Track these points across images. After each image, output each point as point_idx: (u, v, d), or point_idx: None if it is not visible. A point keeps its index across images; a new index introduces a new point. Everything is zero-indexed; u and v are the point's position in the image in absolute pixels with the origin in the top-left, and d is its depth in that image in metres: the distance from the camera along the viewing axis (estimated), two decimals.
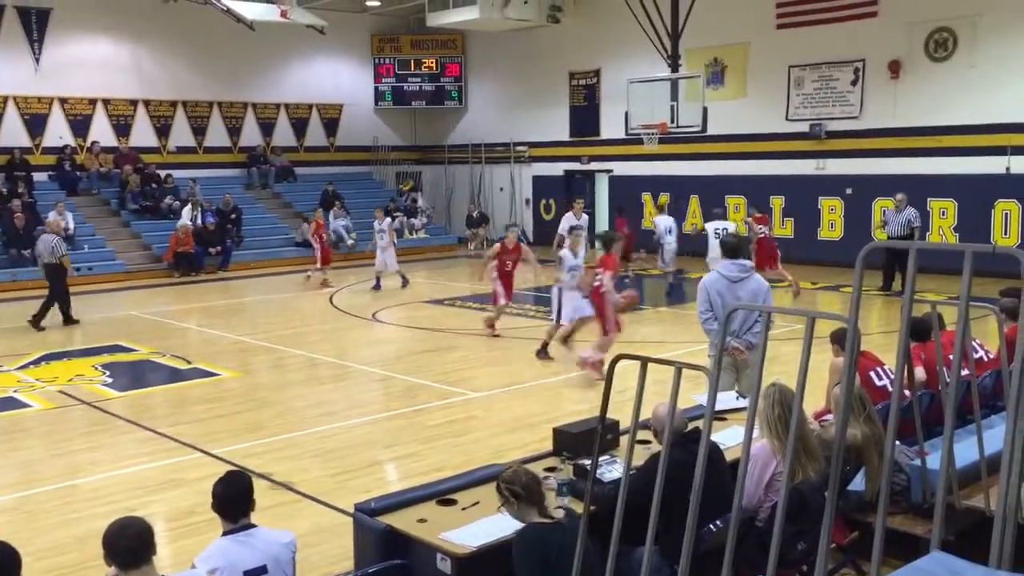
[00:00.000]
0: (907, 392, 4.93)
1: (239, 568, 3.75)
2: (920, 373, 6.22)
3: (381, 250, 17.47)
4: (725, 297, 7.15)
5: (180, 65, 23.96)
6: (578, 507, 4.44)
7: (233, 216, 22.42)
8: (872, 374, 6.33)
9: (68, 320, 14.57)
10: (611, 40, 22.94)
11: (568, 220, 16.06)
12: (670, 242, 16.88)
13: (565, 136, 25.18)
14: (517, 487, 4.08)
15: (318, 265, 18.34)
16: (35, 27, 21.73)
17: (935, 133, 18.15)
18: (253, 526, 3.92)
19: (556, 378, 10.58)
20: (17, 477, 7.61)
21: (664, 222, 17.07)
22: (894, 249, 15.25)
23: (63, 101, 22.43)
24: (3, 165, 21.33)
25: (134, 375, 11.27)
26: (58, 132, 22.44)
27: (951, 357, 3.53)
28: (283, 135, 26.13)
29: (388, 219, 18.71)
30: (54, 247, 14.37)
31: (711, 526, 4.28)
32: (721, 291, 7.20)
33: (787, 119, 20.41)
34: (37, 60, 21.86)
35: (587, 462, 4.93)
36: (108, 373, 11.15)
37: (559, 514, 4.14)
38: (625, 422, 5.18)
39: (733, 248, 7.54)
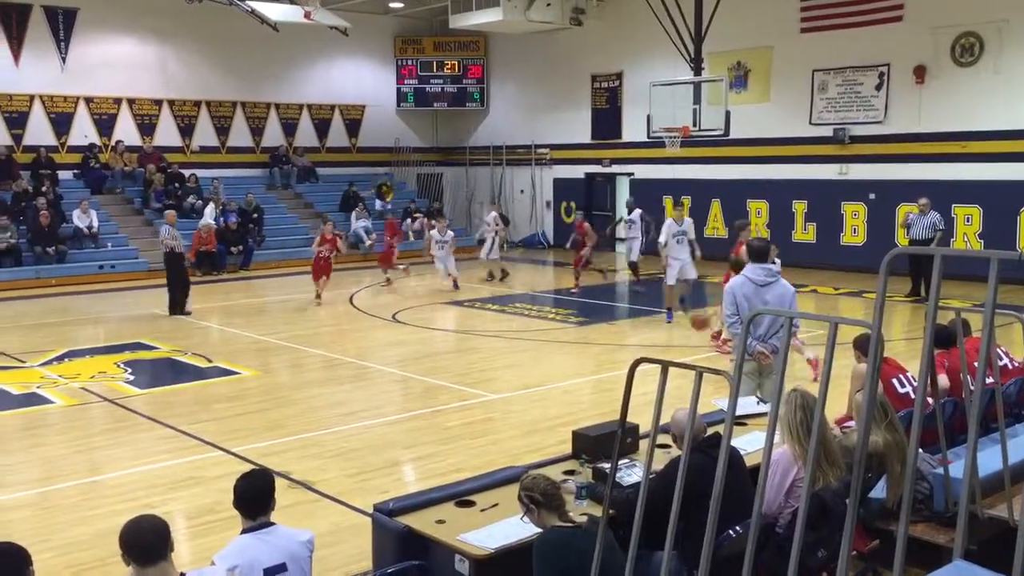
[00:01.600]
0: (930, 400, 4.88)
1: (258, 566, 3.76)
2: (943, 381, 6.16)
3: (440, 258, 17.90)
4: (752, 301, 7.10)
5: (204, 65, 24.13)
6: (596, 511, 4.42)
7: (255, 216, 22.53)
8: (895, 381, 6.27)
9: (175, 309, 15.10)
10: (633, 43, 22.92)
11: (669, 227, 14.39)
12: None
13: (587, 139, 25.16)
14: (536, 494, 4.08)
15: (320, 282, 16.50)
16: (61, 27, 21.94)
17: (960, 139, 17.99)
18: (273, 524, 3.93)
19: (575, 380, 10.56)
20: (39, 473, 7.67)
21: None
22: (918, 255, 15.11)
23: (88, 100, 22.63)
24: (29, 163, 21.54)
25: (155, 373, 11.35)
26: (83, 131, 22.64)
27: (976, 364, 3.49)
28: (305, 135, 26.25)
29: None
30: (165, 237, 15.18)
31: (730, 532, 4.26)
32: (747, 295, 7.15)
33: (811, 123, 20.30)
34: (63, 60, 22.07)
35: (606, 466, 4.91)
36: (130, 370, 11.22)
37: (581, 519, 4.13)
38: (644, 426, 5.16)
39: (760, 252, 7.44)
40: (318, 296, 16.33)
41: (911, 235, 15.89)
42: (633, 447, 5.62)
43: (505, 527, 4.41)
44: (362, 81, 26.88)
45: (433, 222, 19.90)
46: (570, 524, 4.06)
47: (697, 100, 17.79)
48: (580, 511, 4.57)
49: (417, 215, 24.88)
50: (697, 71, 18.43)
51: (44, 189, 20.65)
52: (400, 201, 25.71)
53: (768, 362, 7.07)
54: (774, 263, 8.05)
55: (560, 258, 23.75)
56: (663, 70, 20.02)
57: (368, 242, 22.84)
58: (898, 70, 18.78)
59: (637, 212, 18.09)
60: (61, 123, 22.33)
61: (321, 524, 6.08)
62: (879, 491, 4.91)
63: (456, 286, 17.77)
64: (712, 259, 16.23)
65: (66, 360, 11.79)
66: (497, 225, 19.96)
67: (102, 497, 6.98)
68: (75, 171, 22.38)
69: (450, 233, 18.17)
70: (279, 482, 4.13)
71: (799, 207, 20.56)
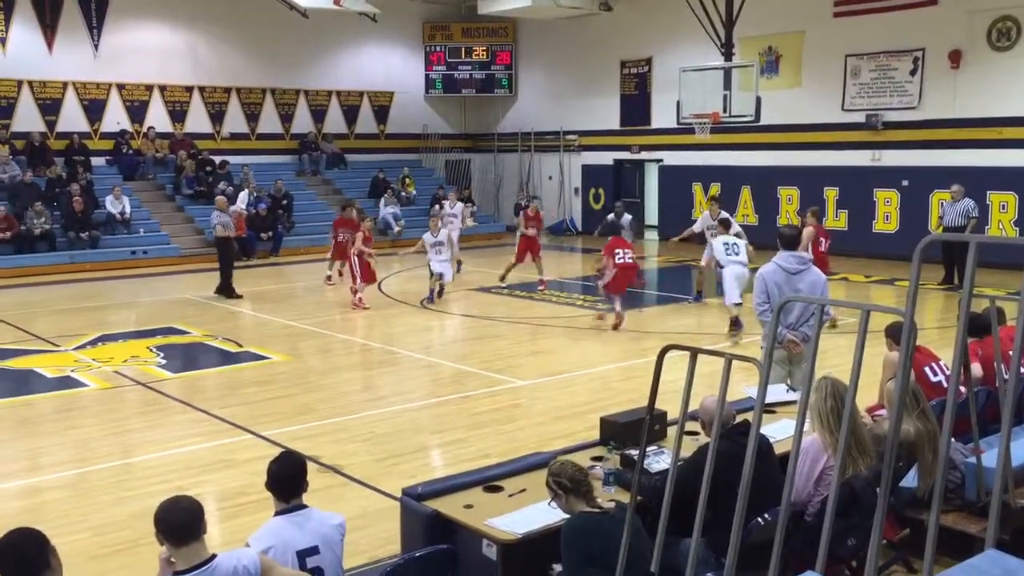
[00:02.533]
0: (962, 388, 4.83)
1: (291, 548, 3.80)
2: (977, 370, 6.09)
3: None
4: (783, 289, 7.07)
5: (234, 52, 24.26)
6: (624, 497, 4.43)
7: (284, 202, 22.66)
8: (927, 369, 6.22)
9: (224, 291, 15.56)
10: (663, 28, 22.75)
11: (704, 220, 14.23)
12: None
13: (615, 125, 25.04)
14: (564, 479, 4.10)
15: (356, 283, 14.57)
16: (94, 14, 22.13)
17: (996, 124, 17.71)
18: (306, 507, 3.97)
19: (603, 367, 10.55)
20: (74, 455, 7.79)
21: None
22: (950, 242, 14.93)
23: (120, 87, 22.83)
24: (63, 150, 21.79)
25: (187, 357, 11.48)
26: (116, 117, 22.85)
27: (1010, 353, 3.45)
28: (334, 122, 26.33)
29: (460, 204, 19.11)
30: (216, 223, 15.53)
31: (759, 519, 4.24)
32: (779, 283, 7.12)
33: (843, 109, 20.07)
34: (96, 47, 22.28)
35: (634, 452, 4.90)
36: (162, 355, 11.35)
37: (609, 505, 4.14)
38: (673, 413, 5.15)
39: (790, 240, 7.43)
40: (328, 277, 16.80)
41: (944, 223, 15.71)
42: (661, 434, 5.61)
43: (533, 512, 4.42)
44: (391, 68, 26.91)
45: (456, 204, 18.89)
46: (597, 510, 4.07)
47: (727, 86, 17.65)
48: (608, 497, 4.58)
49: (444, 202, 24.89)
50: (728, 56, 18.28)
51: (78, 175, 20.88)
52: (428, 187, 25.75)
53: (798, 350, 7.03)
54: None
55: (589, 244, 23.71)
56: (693, 55, 19.86)
57: (397, 228, 22.92)
58: (933, 55, 18.51)
59: (627, 218, 15.86)
60: (94, 110, 22.55)
61: (350, 508, 6.13)
62: (910, 480, 4.88)
63: (437, 296, 15.03)
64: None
65: (99, 344, 11.95)
66: (464, 216, 18.89)
67: (135, 479, 7.09)
68: (107, 157, 22.61)
69: (445, 232, 15.12)
70: (309, 466, 4.16)
71: (831, 194, 20.36)
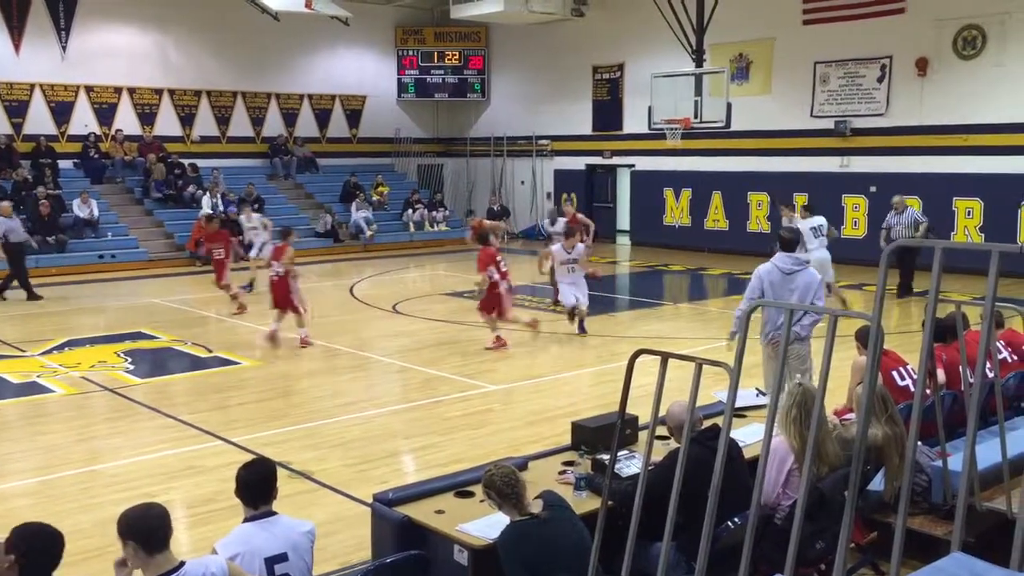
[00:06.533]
0: (928, 392, 4.88)
1: (260, 555, 3.77)
2: (940, 376, 6.16)
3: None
4: (777, 288, 7.43)
5: (205, 55, 24.08)
6: (596, 502, 4.44)
7: (255, 206, 22.48)
8: (895, 374, 6.28)
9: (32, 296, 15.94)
10: (635, 34, 22.87)
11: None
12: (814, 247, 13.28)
13: (588, 130, 25.12)
14: (492, 491, 4.12)
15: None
16: (62, 15, 21.88)
17: (962, 131, 17.97)
18: (275, 514, 3.94)
19: (574, 372, 10.57)
20: (40, 461, 7.69)
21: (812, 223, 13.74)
22: (902, 253, 14.35)
23: (89, 89, 22.59)
24: (29, 152, 21.52)
25: (156, 362, 11.36)
26: (83, 120, 22.61)
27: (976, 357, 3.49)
28: (306, 126, 26.21)
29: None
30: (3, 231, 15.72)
31: (729, 523, 4.27)
32: (774, 282, 7.46)
33: (812, 115, 20.27)
34: (64, 48, 22.02)
35: (605, 457, 4.92)
36: (130, 360, 11.23)
37: (538, 506, 4.14)
38: (644, 417, 5.17)
39: (790, 242, 7.75)
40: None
41: (892, 237, 14.85)
42: (632, 438, 5.63)
43: (504, 517, 4.42)
44: (363, 71, 26.83)
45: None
46: (528, 516, 4.09)
47: (698, 92, 17.76)
48: (578, 503, 4.59)
49: (418, 206, 24.90)
50: (699, 63, 18.39)
51: (45, 179, 20.62)
52: (401, 192, 25.70)
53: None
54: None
55: None
56: (665, 61, 19.98)
57: (368, 232, 22.84)
58: (900, 62, 18.75)
59: (561, 222, 14.56)
60: (61, 112, 22.29)
61: (321, 514, 6.09)
62: (877, 483, 4.92)
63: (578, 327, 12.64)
64: (715, 252, 16.21)
65: (66, 349, 11.80)
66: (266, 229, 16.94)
67: (102, 486, 7.00)
68: (75, 160, 22.36)
69: (581, 248, 12.64)
70: (278, 472, 4.14)
71: (800, 199, 20.46)
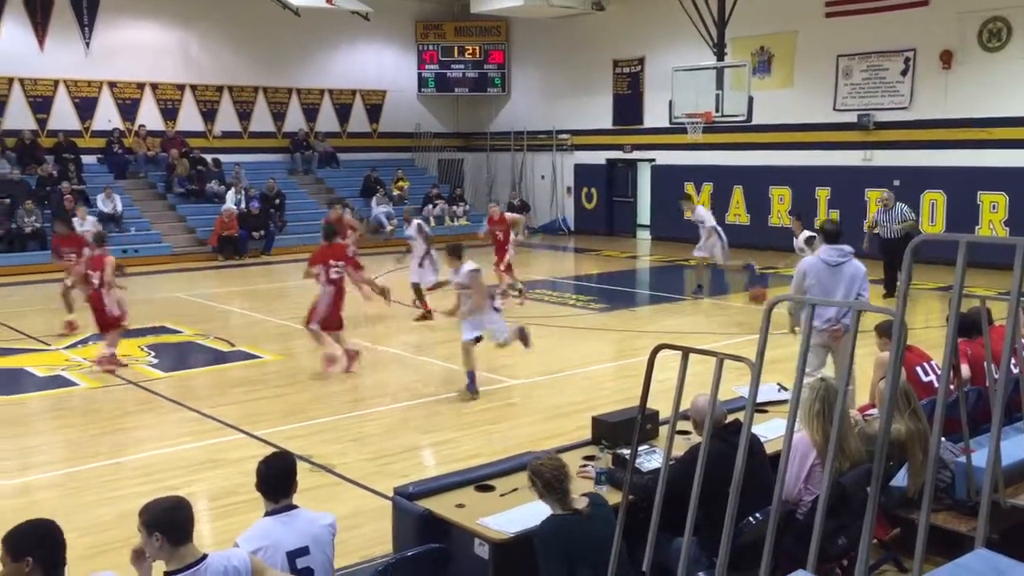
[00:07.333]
0: (952, 388, 4.84)
1: (281, 548, 3.79)
2: (964, 371, 6.11)
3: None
4: (823, 281, 7.47)
5: (226, 50, 24.20)
6: (616, 497, 4.43)
7: (276, 201, 22.62)
8: (918, 369, 6.23)
9: None
10: (656, 28, 22.77)
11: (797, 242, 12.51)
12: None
13: (608, 124, 25.05)
14: (539, 482, 4.12)
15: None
16: (85, 11, 22.04)
17: (986, 125, 17.78)
18: (296, 507, 3.96)
19: (594, 367, 10.55)
20: (64, 454, 7.77)
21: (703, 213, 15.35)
22: (890, 249, 14.06)
23: (112, 85, 22.76)
24: (53, 148, 21.71)
25: (178, 356, 11.44)
26: (107, 116, 22.78)
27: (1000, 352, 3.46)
28: (327, 121, 26.28)
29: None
30: None
31: (750, 518, 4.25)
32: (821, 275, 7.50)
33: (834, 109, 20.10)
34: (87, 44, 22.19)
35: (626, 452, 4.91)
36: (153, 354, 11.32)
37: (583, 503, 4.14)
38: (665, 412, 5.15)
39: (834, 234, 7.77)
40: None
41: (884, 235, 14.50)
42: (653, 433, 5.62)
43: (524, 512, 4.42)
44: (383, 66, 26.87)
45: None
46: (570, 511, 4.08)
47: (720, 85, 17.69)
48: (583, 493, 4.59)
49: (438, 201, 24.93)
50: (720, 56, 18.32)
51: (69, 174, 20.79)
52: (421, 187, 25.72)
53: (839, 337, 7.36)
54: None
55: (581, 244, 23.73)
56: (686, 55, 19.89)
57: (389, 227, 22.89)
58: (924, 55, 18.56)
59: (416, 224, 13.95)
60: (85, 108, 22.47)
61: (342, 507, 6.11)
62: (900, 479, 4.89)
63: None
64: (734, 246, 16.13)
65: (90, 343, 11.89)
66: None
67: (126, 479, 7.06)
68: (98, 156, 22.53)
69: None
70: (300, 466, 4.15)
71: (822, 194, 20.41)
